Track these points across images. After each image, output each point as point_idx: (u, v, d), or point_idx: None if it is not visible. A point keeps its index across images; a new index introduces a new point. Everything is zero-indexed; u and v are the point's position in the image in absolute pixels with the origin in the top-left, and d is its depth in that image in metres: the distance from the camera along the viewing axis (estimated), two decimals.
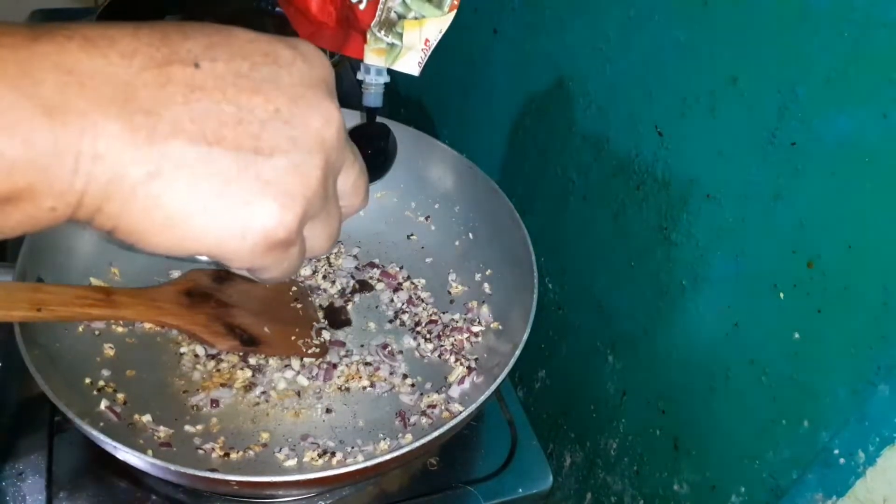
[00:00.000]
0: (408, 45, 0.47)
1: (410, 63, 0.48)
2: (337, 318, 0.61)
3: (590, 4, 0.56)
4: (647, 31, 0.50)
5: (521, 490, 0.56)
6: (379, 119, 0.57)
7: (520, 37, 0.67)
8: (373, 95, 0.53)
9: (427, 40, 0.47)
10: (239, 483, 0.43)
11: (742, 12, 0.42)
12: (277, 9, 0.95)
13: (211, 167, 0.26)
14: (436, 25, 0.47)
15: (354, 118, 0.69)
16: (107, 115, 0.24)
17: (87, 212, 0.25)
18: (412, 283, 0.64)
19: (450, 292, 0.64)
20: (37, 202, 0.24)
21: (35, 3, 1.00)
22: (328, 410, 0.55)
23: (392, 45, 0.48)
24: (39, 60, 0.24)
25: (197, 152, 0.26)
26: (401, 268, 0.66)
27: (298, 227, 0.28)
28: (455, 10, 0.46)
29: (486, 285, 0.63)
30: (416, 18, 0.47)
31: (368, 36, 0.48)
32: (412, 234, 0.68)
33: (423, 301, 0.63)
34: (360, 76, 0.52)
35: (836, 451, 0.39)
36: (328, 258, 0.66)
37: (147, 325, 0.57)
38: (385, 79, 0.52)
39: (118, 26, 0.26)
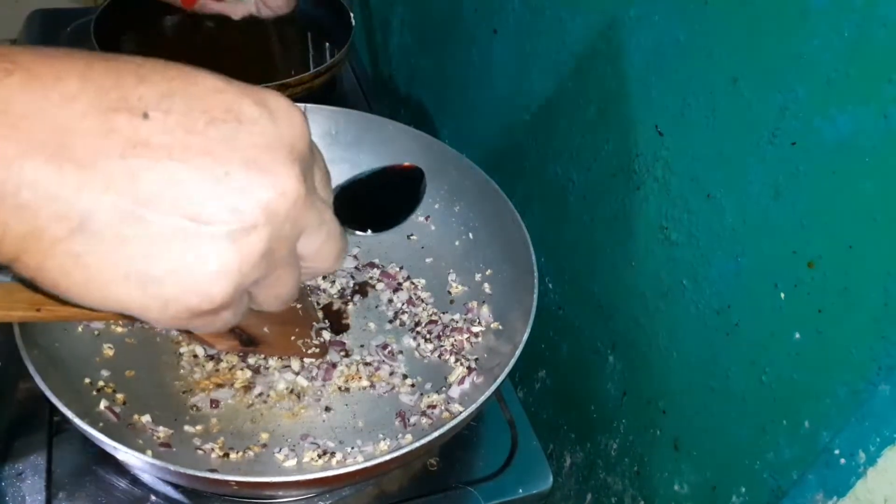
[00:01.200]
0: None
1: None
2: (337, 320, 0.61)
3: (590, 4, 0.56)
4: (647, 31, 0.50)
5: (521, 490, 0.55)
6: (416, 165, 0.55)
7: (520, 37, 0.67)
8: None
9: None
10: (238, 483, 0.43)
11: (742, 12, 0.42)
12: None
13: (138, 230, 0.24)
14: None
15: (354, 117, 0.69)
16: (35, 163, 0.22)
17: (4, 258, 0.24)
18: (412, 283, 0.64)
19: (450, 292, 0.64)
20: None
21: (35, 4, 1.00)
22: (328, 410, 0.54)
23: None
24: None
25: (126, 212, 0.24)
26: (401, 268, 0.66)
27: (230, 298, 0.26)
28: None
29: (486, 285, 0.63)
30: None
31: None
32: (412, 234, 0.68)
33: (423, 301, 0.63)
34: None
35: (837, 452, 0.39)
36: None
37: (146, 326, 0.57)
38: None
39: (71, 59, 0.24)
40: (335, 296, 0.63)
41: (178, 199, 0.24)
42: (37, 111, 0.23)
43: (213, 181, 0.25)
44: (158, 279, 0.25)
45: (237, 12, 0.86)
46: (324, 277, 0.64)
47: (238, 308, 0.29)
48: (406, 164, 0.54)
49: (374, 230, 0.50)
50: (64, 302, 0.26)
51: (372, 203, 0.51)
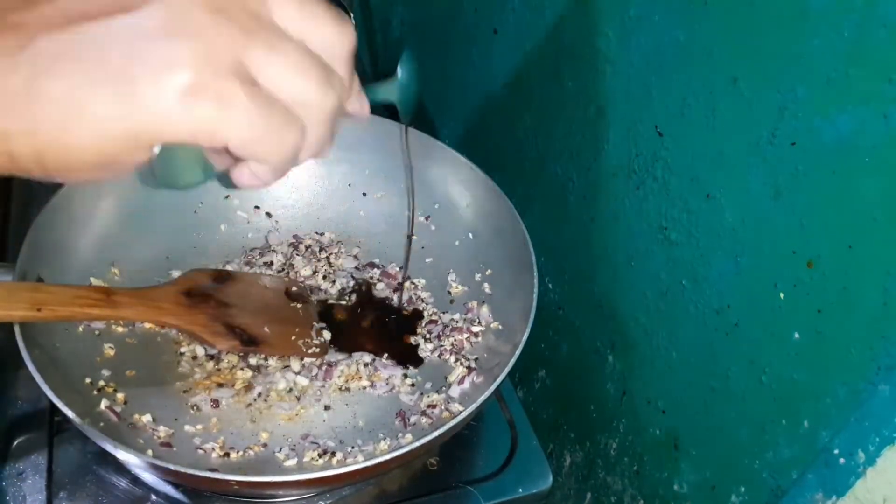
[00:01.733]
0: None
1: None
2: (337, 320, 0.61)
3: (590, 4, 0.56)
4: (647, 31, 0.50)
5: (521, 490, 0.56)
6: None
7: (520, 37, 0.67)
8: None
9: None
10: (239, 483, 0.43)
11: (742, 12, 0.42)
12: None
13: (84, 45, 0.25)
14: None
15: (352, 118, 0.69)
16: None
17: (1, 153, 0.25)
18: (412, 283, 0.64)
19: (450, 292, 0.64)
20: None
21: None
22: (328, 410, 0.55)
23: None
24: None
25: (67, 36, 0.24)
26: (401, 268, 0.66)
27: (202, 65, 0.25)
28: None
29: (486, 285, 0.63)
30: None
31: None
32: (412, 235, 0.68)
33: (423, 301, 0.63)
34: None
35: (836, 451, 0.39)
36: (328, 258, 0.66)
37: (147, 325, 0.57)
38: None
39: None
40: (335, 296, 0.63)
41: (103, 3, 0.25)
42: None
43: None
44: (124, 77, 0.25)
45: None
46: (323, 277, 0.64)
47: (253, 99, 0.26)
48: None
49: None
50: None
51: None
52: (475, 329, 0.60)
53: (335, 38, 0.29)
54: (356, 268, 0.66)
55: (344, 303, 0.63)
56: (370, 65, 1.09)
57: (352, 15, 0.88)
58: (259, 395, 0.55)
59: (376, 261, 0.66)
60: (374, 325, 0.61)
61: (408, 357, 0.59)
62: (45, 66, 0.24)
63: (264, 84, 0.27)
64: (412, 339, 0.60)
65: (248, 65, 0.26)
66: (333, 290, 0.63)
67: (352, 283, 0.64)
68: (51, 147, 0.25)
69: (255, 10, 0.27)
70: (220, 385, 0.54)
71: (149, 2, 0.25)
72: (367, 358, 0.58)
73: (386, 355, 0.58)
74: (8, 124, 0.24)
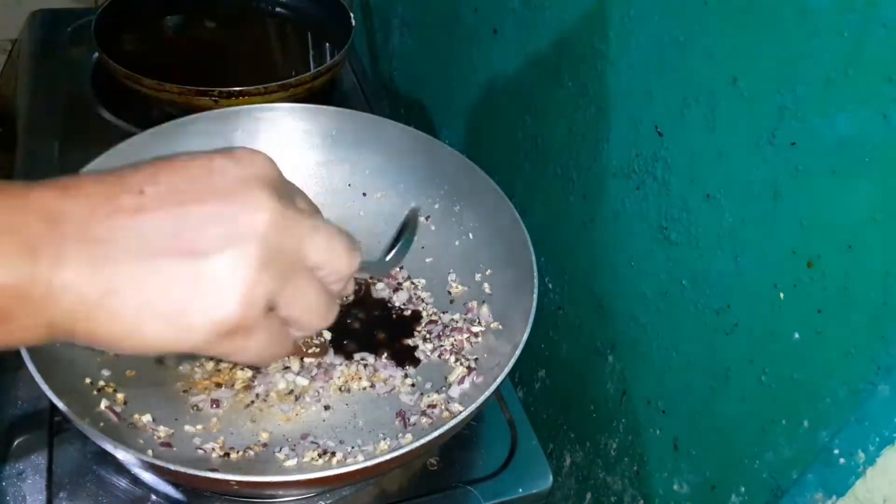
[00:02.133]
0: None
1: None
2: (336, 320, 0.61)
3: (590, 4, 0.56)
4: (647, 31, 0.50)
5: (521, 490, 0.55)
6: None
7: (520, 37, 0.67)
8: None
9: None
10: (239, 483, 0.43)
11: (742, 12, 0.42)
12: (278, 9, 0.95)
13: (155, 276, 0.30)
14: None
15: (354, 117, 0.69)
16: (70, 250, 0.28)
17: (62, 331, 0.29)
18: (412, 283, 0.64)
19: (450, 292, 0.64)
20: (15, 322, 0.28)
21: (35, 4, 1.00)
22: (328, 410, 0.55)
23: None
24: (29, 205, 0.28)
25: (142, 266, 0.29)
26: (401, 268, 0.66)
27: (246, 314, 0.31)
28: None
29: (486, 285, 0.63)
30: None
31: None
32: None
33: (423, 301, 0.63)
34: None
35: (836, 451, 0.39)
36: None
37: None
38: None
39: (90, 176, 0.31)
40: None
41: (179, 242, 0.30)
42: (68, 210, 0.29)
43: (202, 221, 0.30)
44: (180, 311, 0.30)
45: None
46: None
47: (270, 330, 0.33)
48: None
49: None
50: None
51: None
52: (475, 329, 0.60)
53: (345, 266, 0.36)
54: None
55: (342, 301, 0.63)
56: (370, 65, 1.09)
57: (352, 15, 0.88)
58: (259, 395, 0.55)
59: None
60: (374, 326, 0.61)
61: (407, 358, 0.59)
62: (119, 286, 0.29)
63: (281, 313, 0.34)
64: (411, 341, 0.60)
65: (276, 300, 0.33)
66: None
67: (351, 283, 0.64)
68: (100, 342, 0.30)
69: (295, 255, 0.33)
70: (220, 385, 0.54)
71: (215, 249, 0.30)
72: (367, 358, 0.58)
73: (385, 355, 0.58)
74: (74, 325, 0.29)
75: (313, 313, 0.35)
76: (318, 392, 0.56)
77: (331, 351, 0.58)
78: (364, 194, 0.70)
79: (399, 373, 0.57)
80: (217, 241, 0.30)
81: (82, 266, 0.29)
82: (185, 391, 0.54)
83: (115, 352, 0.31)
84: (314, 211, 0.37)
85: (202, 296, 0.30)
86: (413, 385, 0.57)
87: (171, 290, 0.30)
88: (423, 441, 0.45)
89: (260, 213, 0.31)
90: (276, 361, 0.34)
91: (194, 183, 0.31)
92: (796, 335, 0.42)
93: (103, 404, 0.49)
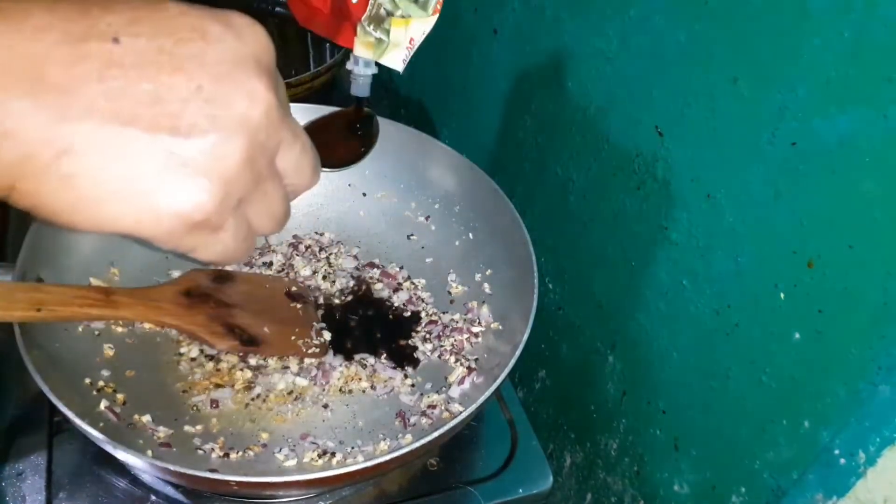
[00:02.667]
0: (394, 42, 0.50)
1: (395, 59, 0.51)
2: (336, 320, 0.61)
3: (590, 4, 0.56)
4: (647, 31, 0.50)
5: (521, 490, 0.55)
6: (367, 109, 0.60)
7: (520, 37, 0.67)
8: (360, 86, 0.56)
9: (412, 39, 0.50)
10: (239, 483, 0.43)
11: (742, 12, 0.42)
12: (278, 9, 0.95)
13: (124, 148, 0.25)
14: (420, 26, 0.49)
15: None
16: (16, 94, 0.24)
17: (2, 189, 0.25)
18: (412, 283, 0.64)
19: (450, 292, 0.64)
20: None
21: None
22: (328, 410, 0.55)
23: (380, 41, 0.50)
24: None
25: (109, 132, 0.25)
26: (401, 268, 0.66)
27: (219, 208, 0.28)
28: (438, 14, 0.49)
29: (486, 285, 0.63)
30: (402, 17, 0.49)
31: (358, 29, 0.50)
32: (412, 234, 0.68)
33: (423, 301, 0.63)
34: (349, 66, 0.55)
35: (837, 452, 0.39)
36: (328, 258, 0.66)
37: (147, 325, 0.57)
38: (373, 70, 0.55)
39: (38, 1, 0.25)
40: (335, 295, 0.63)
41: (156, 115, 0.26)
42: (12, 45, 0.24)
43: (187, 95, 0.26)
44: (148, 192, 0.26)
45: None
46: (323, 277, 0.64)
47: (238, 230, 0.30)
48: (357, 108, 0.59)
49: (332, 167, 0.57)
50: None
51: (331, 144, 0.58)
52: (475, 329, 0.60)
53: (307, 183, 0.33)
54: (356, 268, 0.66)
55: (340, 301, 0.63)
56: None
57: None
58: (259, 395, 0.54)
59: (376, 261, 0.66)
60: (374, 326, 0.61)
61: (406, 358, 0.59)
62: (78, 148, 0.25)
63: (246, 213, 0.30)
64: (411, 341, 0.60)
65: (244, 199, 0.29)
66: (333, 290, 0.63)
67: (352, 283, 0.64)
68: (43, 210, 0.26)
69: (270, 157, 0.30)
70: (220, 385, 0.54)
71: (198, 132, 0.26)
72: (367, 359, 0.58)
73: (384, 355, 0.58)
74: (14, 183, 0.25)
75: (274, 219, 0.32)
76: (318, 392, 0.56)
77: (330, 351, 0.58)
78: (364, 194, 0.70)
79: (399, 373, 0.57)
80: (202, 121, 0.26)
81: (34, 118, 0.24)
82: (185, 391, 0.54)
83: (58, 224, 0.27)
84: (287, 104, 0.33)
85: (175, 179, 0.26)
86: (413, 385, 0.57)
87: (140, 165, 0.26)
88: (423, 441, 0.45)
89: (255, 103, 0.27)
90: (233, 263, 0.31)
91: (183, 45, 0.26)
92: (796, 335, 0.42)
93: (103, 404, 0.49)
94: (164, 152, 0.26)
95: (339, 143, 0.60)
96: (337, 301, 0.63)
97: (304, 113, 0.67)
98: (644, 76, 0.51)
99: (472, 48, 0.77)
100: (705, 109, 0.46)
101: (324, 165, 0.52)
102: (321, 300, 0.62)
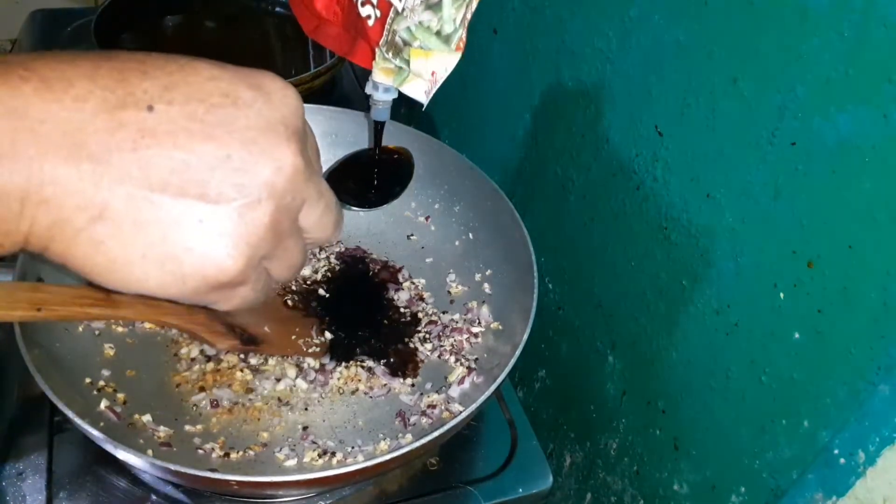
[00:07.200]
0: (416, 73, 0.47)
1: (418, 90, 0.48)
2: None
3: (590, 4, 0.56)
4: (647, 31, 0.50)
5: (521, 490, 0.55)
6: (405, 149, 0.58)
7: (520, 37, 0.67)
8: (381, 110, 0.54)
9: (434, 73, 0.47)
10: (239, 483, 0.43)
11: (742, 12, 0.42)
12: (278, 9, 0.95)
13: (153, 214, 0.26)
14: (443, 62, 0.46)
15: (354, 117, 0.69)
16: (54, 162, 0.25)
17: (35, 248, 0.26)
18: (412, 283, 0.64)
19: (450, 292, 0.64)
20: None
21: (35, 4, 1.00)
22: (328, 410, 0.55)
23: (400, 69, 0.48)
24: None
25: (140, 200, 0.26)
26: (401, 268, 0.66)
27: (243, 269, 0.29)
28: (462, 52, 0.46)
29: (486, 285, 0.63)
30: (421, 48, 0.46)
31: (377, 54, 0.48)
32: (412, 234, 0.68)
33: (423, 301, 0.63)
34: (368, 90, 0.52)
35: (836, 451, 0.39)
36: (328, 258, 0.66)
37: (147, 325, 0.57)
38: (393, 95, 0.52)
39: (78, 64, 0.26)
40: (335, 296, 0.63)
41: (186, 182, 0.27)
42: (52, 115, 0.25)
43: (216, 163, 0.27)
44: (175, 257, 0.27)
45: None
46: (323, 278, 0.64)
47: (257, 283, 0.31)
48: (396, 146, 0.57)
49: (364, 207, 0.55)
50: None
51: (364, 182, 0.56)
52: (475, 329, 0.60)
53: (327, 238, 0.34)
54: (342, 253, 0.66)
55: (329, 275, 0.63)
56: None
57: None
58: (259, 395, 0.54)
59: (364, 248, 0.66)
60: (374, 326, 0.61)
61: (406, 363, 0.58)
62: (111, 216, 0.26)
63: (267, 266, 0.31)
64: (410, 341, 0.60)
65: (266, 256, 0.30)
66: (333, 290, 0.63)
67: (340, 265, 0.64)
68: (75, 269, 0.27)
69: (294, 217, 0.31)
70: (220, 385, 0.54)
71: (226, 200, 0.27)
72: (366, 359, 0.58)
73: (384, 362, 0.58)
74: (49, 244, 0.26)
75: (292, 269, 0.33)
76: (318, 392, 0.56)
77: (329, 354, 0.58)
78: None
79: (398, 380, 0.57)
80: (230, 189, 0.27)
81: (70, 186, 0.25)
82: (185, 391, 0.54)
83: (86, 277, 0.28)
84: (319, 167, 0.35)
85: (202, 245, 0.27)
86: (413, 385, 0.57)
87: (168, 232, 0.27)
88: (423, 441, 0.45)
89: (283, 169, 0.28)
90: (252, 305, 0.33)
91: (214, 112, 0.27)
92: (796, 335, 0.42)
93: (103, 404, 0.49)
94: (192, 219, 0.27)
95: (373, 182, 0.58)
96: (322, 280, 0.63)
97: (305, 113, 0.67)
98: (644, 76, 0.51)
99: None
100: (705, 109, 0.46)
101: (358, 205, 0.52)
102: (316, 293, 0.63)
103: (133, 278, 0.27)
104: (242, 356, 0.56)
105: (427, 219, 0.68)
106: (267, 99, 0.29)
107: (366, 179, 0.57)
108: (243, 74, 0.29)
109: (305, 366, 0.57)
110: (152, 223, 0.26)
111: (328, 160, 0.69)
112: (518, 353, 0.50)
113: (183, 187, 0.26)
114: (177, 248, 0.27)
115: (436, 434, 0.45)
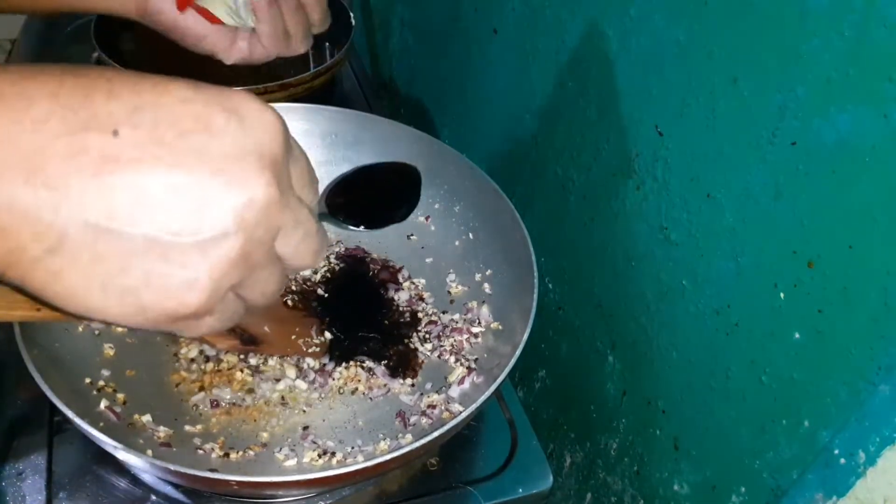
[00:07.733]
0: None
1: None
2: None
3: (590, 4, 0.56)
4: (647, 31, 0.50)
5: (521, 490, 0.55)
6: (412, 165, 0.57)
7: (520, 37, 0.67)
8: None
9: None
10: (239, 483, 0.43)
11: (742, 12, 0.42)
12: None
13: (112, 245, 0.25)
14: None
15: (354, 117, 0.69)
16: (11, 188, 0.23)
17: None
18: (412, 283, 0.64)
19: (450, 292, 0.64)
20: None
21: None
22: (328, 410, 0.54)
23: None
24: None
25: (100, 230, 0.25)
26: (401, 268, 0.66)
27: (206, 302, 0.27)
28: None
29: (486, 285, 0.63)
30: None
31: None
32: (412, 234, 0.68)
33: (423, 301, 0.63)
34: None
35: (837, 451, 0.39)
36: (329, 259, 0.66)
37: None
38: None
39: (41, 78, 0.25)
40: (334, 295, 0.63)
41: (148, 213, 0.25)
42: (10, 137, 0.23)
43: (181, 193, 0.25)
44: (133, 289, 0.26)
45: (231, 55, 0.69)
46: (323, 278, 0.64)
47: (224, 312, 0.30)
48: (404, 162, 0.56)
49: (370, 227, 0.52)
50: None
51: (370, 200, 0.53)
52: (475, 329, 0.60)
53: (307, 265, 0.33)
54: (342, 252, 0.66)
55: (327, 295, 0.63)
56: (370, 64, 1.09)
57: (352, 15, 0.88)
58: (258, 395, 0.54)
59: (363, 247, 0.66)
60: (373, 327, 0.61)
61: (406, 363, 0.58)
62: (68, 249, 0.25)
63: (238, 293, 0.30)
64: (410, 342, 0.60)
65: (239, 285, 0.29)
66: (333, 290, 0.63)
67: (341, 265, 0.64)
68: (35, 293, 0.26)
69: (268, 247, 0.29)
70: (220, 385, 0.54)
71: (190, 233, 0.26)
72: (366, 360, 0.58)
73: (384, 362, 0.58)
74: (5, 270, 0.25)
75: (266, 296, 0.32)
76: (318, 392, 0.56)
77: (328, 355, 0.58)
78: None
79: (397, 381, 0.57)
80: (195, 221, 0.26)
81: (27, 213, 0.24)
82: (185, 391, 0.54)
83: (45, 301, 0.27)
84: (308, 192, 0.32)
85: (164, 278, 0.26)
86: (413, 385, 0.57)
87: (128, 263, 0.25)
88: (423, 441, 0.45)
89: (254, 201, 0.27)
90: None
91: (184, 138, 0.26)
92: (796, 335, 0.42)
93: (103, 404, 0.49)
94: (153, 251, 0.26)
95: (379, 201, 0.56)
96: (322, 280, 0.63)
97: (305, 113, 0.67)
98: (644, 76, 0.51)
99: (472, 48, 0.77)
100: (705, 109, 0.46)
101: (364, 225, 0.51)
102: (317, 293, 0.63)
103: (94, 307, 0.27)
104: (242, 356, 0.56)
105: (427, 219, 0.68)
106: (241, 125, 0.27)
107: (368, 197, 0.56)
108: (219, 97, 0.27)
109: (305, 366, 0.57)
110: (111, 255, 0.25)
111: (328, 160, 0.69)
112: (518, 353, 0.50)
113: (144, 218, 0.25)
114: (136, 281, 0.26)
115: (436, 434, 0.45)
